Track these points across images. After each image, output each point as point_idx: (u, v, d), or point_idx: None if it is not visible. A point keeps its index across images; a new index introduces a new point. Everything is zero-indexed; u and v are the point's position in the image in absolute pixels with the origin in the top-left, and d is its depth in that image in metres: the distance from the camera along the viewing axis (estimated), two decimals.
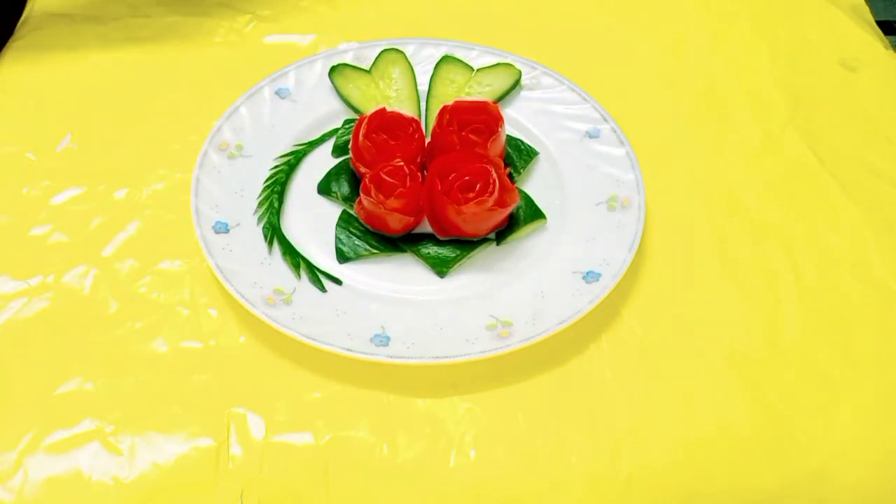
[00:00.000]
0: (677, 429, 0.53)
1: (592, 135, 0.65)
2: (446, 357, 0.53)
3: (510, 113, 0.66)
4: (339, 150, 0.64)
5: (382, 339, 0.54)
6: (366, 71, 0.67)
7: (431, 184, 0.58)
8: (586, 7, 0.77)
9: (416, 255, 0.59)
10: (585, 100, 0.66)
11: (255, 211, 0.60)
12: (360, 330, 0.54)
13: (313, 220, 0.61)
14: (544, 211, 0.61)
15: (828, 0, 0.78)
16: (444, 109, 0.62)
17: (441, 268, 0.58)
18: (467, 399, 0.54)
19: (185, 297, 0.57)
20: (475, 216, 0.57)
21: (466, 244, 0.59)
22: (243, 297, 0.54)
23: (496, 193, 0.57)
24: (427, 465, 0.51)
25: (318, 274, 0.58)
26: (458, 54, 0.69)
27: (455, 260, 0.58)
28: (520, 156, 0.64)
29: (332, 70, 0.67)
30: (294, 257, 0.58)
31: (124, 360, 0.54)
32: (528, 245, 0.60)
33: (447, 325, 0.55)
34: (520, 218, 0.60)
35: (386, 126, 0.61)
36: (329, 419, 0.52)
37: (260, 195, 0.61)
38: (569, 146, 0.65)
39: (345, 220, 0.60)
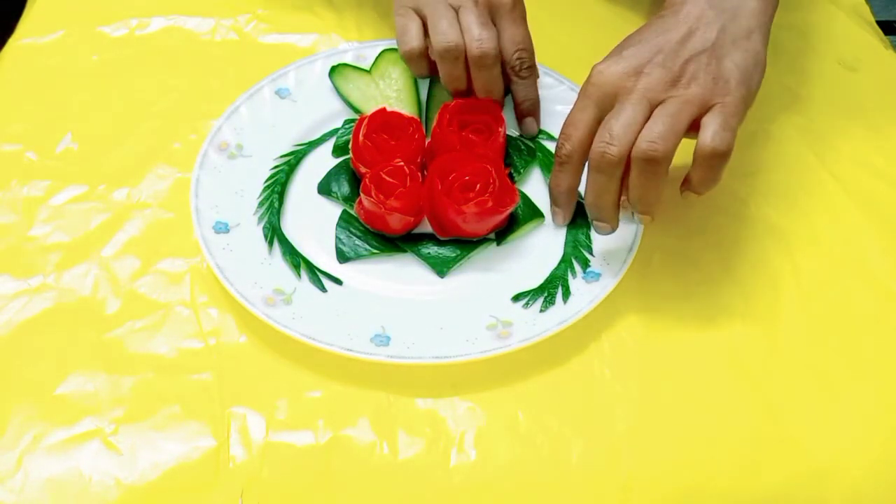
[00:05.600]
0: (677, 429, 0.53)
1: None
2: (446, 357, 0.53)
3: (510, 113, 0.66)
4: (339, 150, 0.64)
5: (382, 339, 0.54)
6: (366, 71, 0.67)
7: (431, 184, 0.58)
8: (587, 7, 0.77)
9: (416, 255, 0.59)
10: None
11: (255, 211, 0.60)
12: (360, 330, 0.54)
13: (313, 220, 0.61)
14: (545, 211, 0.61)
15: (828, 0, 0.78)
16: (445, 109, 0.62)
17: (441, 268, 0.58)
18: (467, 399, 0.54)
19: (185, 297, 0.57)
20: (475, 216, 0.57)
21: (466, 244, 0.59)
22: (243, 297, 0.54)
23: (496, 193, 0.57)
24: (427, 465, 0.51)
25: (318, 274, 0.58)
26: None
27: (455, 260, 0.58)
28: (520, 156, 0.64)
29: (332, 70, 0.67)
30: (294, 257, 0.58)
31: (124, 360, 0.54)
32: (528, 245, 0.60)
33: (447, 325, 0.55)
34: (519, 218, 0.60)
35: (386, 126, 0.61)
36: (329, 419, 0.53)
37: (260, 195, 0.61)
38: None
39: (345, 220, 0.60)
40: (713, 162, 0.52)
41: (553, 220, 0.60)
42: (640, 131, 0.51)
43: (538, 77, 0.65)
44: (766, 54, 0.55)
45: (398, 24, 0.63)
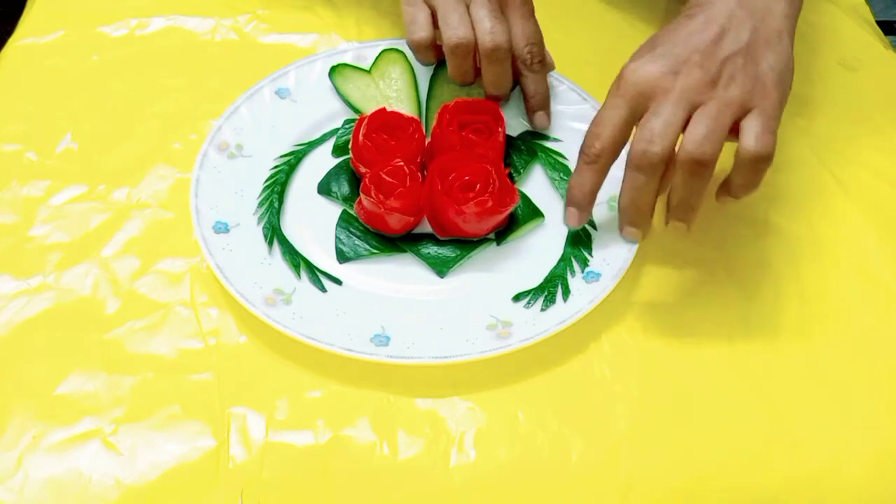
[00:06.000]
0: (677, 429, 0.53)
1: None
2: (446, 357, 0.53)
3: (511, 111, 0.66)
4: (339, 150, 0.64)
5: (382, 339, 0.54)
6: (366, 71, 0.67)
7: (431, 184, 0.58)
8: (588, 8, 0.77)
9: (416, 255, 0.59)
10: (585, 100, 0.66)
11: (255, 211, 0.60)
12: (360, 330, 0.54)
13: (313, 220, 0.61)
14: (544, 211, 0.61)
15: (828, 0, 0.78)
16: (445, 109, 0.62)
17: (441, 268, 0.58)
18: (467, 399, 0.54)
19: (185, 297, 0.57)
20: (475, 216, 0.57)
21: (466, 244, 0.59)
22: (243, 297, 0.54)
23: (496, 193, 0.57)
24: (427, 465, 0.51)
25: (318, 274, 0.58)
26: None
27: (455, 260, 0.58)
28: (520, 156, 0.64)
29: (332, 70, 0.67)
30: (294, 257, 0.58)
31: (124, 360, 0.54)
32: (528, 245, 0.60)
33: (447, 325, 0.55)
34: (519, 218, 0.60)
35: (386, 126, 0.61)
36: (329, 419, 0.53)
37: (260, 195, 0.61)
38: (569, 146, 0.65)
39: (345, 220, 0.60)
40: (756, 166, 0.51)
41: (566, 221, 0.56)
42: (679, 132, 0.51)
43: (552, 69, 0.65)
44: (793, 56, 0.55)
45: (406, 13, 0.63)
